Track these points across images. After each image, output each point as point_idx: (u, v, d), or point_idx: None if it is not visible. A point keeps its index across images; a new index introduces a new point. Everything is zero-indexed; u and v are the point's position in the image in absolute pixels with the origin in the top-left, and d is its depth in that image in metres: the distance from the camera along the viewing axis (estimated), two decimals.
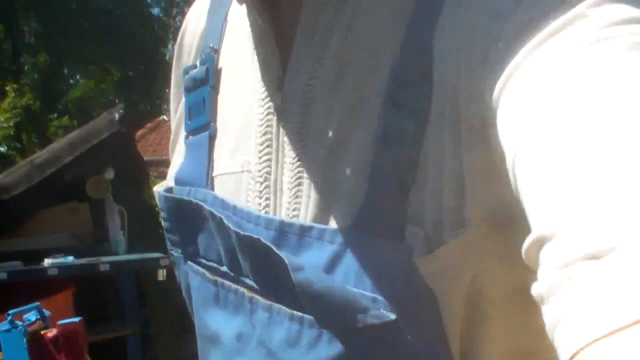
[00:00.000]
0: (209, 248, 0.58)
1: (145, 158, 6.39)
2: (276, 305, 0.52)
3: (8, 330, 2.67)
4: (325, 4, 0.51)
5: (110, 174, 4.22)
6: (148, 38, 19.83)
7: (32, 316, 2.90)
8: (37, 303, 3.04)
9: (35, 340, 2.42)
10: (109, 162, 4.22)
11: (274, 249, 0.49)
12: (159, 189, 0.63)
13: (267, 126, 0.54)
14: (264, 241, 0.50)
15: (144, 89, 19.35)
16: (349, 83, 0.50)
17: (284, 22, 0.53)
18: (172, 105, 0.69)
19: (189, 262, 0.60)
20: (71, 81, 22.18)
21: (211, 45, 0.60)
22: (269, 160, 0.54)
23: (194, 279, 0.60)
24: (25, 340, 2.62)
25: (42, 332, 2.47)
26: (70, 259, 3.64)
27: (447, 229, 0.46)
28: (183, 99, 0.64)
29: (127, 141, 4.22)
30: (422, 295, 0.46)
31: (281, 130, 0.53)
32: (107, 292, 4.16)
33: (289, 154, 0.53)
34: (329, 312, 0.48)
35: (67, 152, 4.05)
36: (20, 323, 2.79)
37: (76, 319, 2.41)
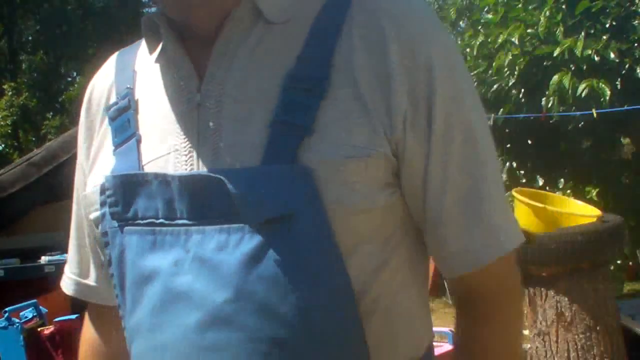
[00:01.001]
0: (148, 208, 0.75)
1: None
2: (208, 227, 0.71)
3: (5, 328, 2.67)
4: (233, 37, 0.74)
5: None
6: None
7: (29, 313, 2.91)
8: (34, 300, 3.05)
9: (32, 337, 2.43)
10: None
11: (210, 173, 0.70)
12: (101, 180, 0.80)
13: (191, 117, 0.75)
14: (202, 173, 0.71)
15: None
16: (252, 83, 0.73)
17: (194, 49, 0.77)
18: (83, 144, 0.89)
19: (126, 228, 0.76)
20: (68, 79, 22.14)
21: (128, 85, 0.82)
22: (192, 138, 0.74)
23: (131, 238, 0.76)
24: (22, 337, 2.63)
25: (39, 329, 2.48)
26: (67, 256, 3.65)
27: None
28: (100, 131, 0.86)
29: None
30: (311, 197, 0.69)
31: (200, 117, 0.74)
32: None
33: (207, 132, 0.74)
34: (253, 211, 0.68)
35: (63, 150, 4.05)
36: (17, 320, 2.79)
37: (73, 316, 2.42)
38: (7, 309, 2.66)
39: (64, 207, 4.04)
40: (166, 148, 0.76)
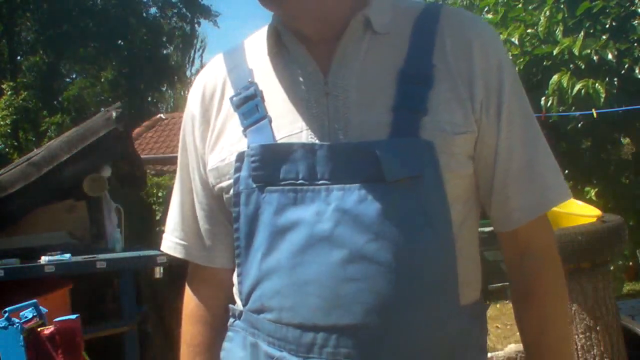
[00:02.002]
0: (289, 171, 0.92)
1: (142, 156, 6.39)
2: (347, 185, 0.89)
3: (5, 328, 2.67)
4: (350, 41, 0.95)
5: (107, 172, 4.23)
6: (145, 38, 19.80)
7: (29, 313, 2.90)
8: (34, 300, 3.04)
9: (32, 337, 2.43)
10: (106, 160, 4.22)
11: (363, 142, 0.90)
12: (228, 154, 0.98)
13: (320, 103, 0.94)
14: (353, 142, 0.90)
15: (140, 87, 19.33)
16: (370, 78, 0.94)
17: (311, 50, 0.97)
18: (198, 130, 1.05)
19: (267, 188, 0.92)
20: (67, 80, 22.13)
21: (249, 79, 1.00)
22: (324, 119, 0.93)
23: (271, 196, 0.92)
24: (22, 337, 2.62)
25: (39, 329, 2.48)
26: (67, 256, 3.65)
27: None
28: (218, 117, 1.02)
29: (124, 139, 4.23)
30: (438, 165, 0.90)
31: (330, 103, 0.94)
32: (104, 290, 4.17)
33: (338, 114, 0.93)
34: (393, 171, 0.87)
35: (64, 150, 4.05)
36: (17, 320, 2.79)
37: (73, 316, 2.42)
38: (7, 309, 2.66)
39: (64, 207, 4.00)
40: (298, 127, 0.94)
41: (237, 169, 0.95)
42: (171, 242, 1.11)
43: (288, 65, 0.98)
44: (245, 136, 0.97)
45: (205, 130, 1.04)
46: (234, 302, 1.04)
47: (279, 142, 0.94)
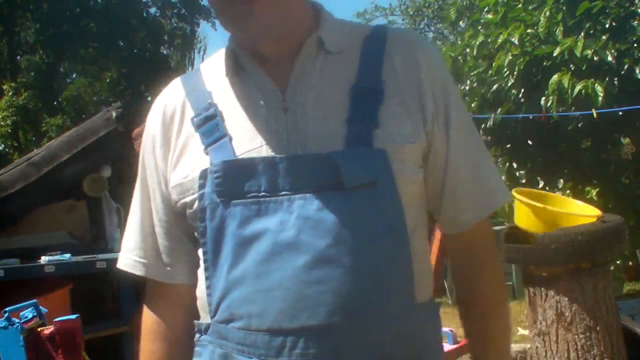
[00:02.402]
0: (252, 185, 0.96)
1: None
2: (308, 194, 0.94)
3: (5, 328, 2.67)
4: (305, 60, 1.02)
5: (107, 172, 4.23)
6: (144, 38, 19.80)
7: (29, 313, 2.90)
8: (34, 300, 3.04)
9: (32, 337, 2.43)
10: (106, 160, 4.23)
11: (321, 153, 0.95)
12: (191, 172, 1.03)
13: (279, 119, 1.00)
14: (313, 153, 0.95)
15: (140, 88, 19.32)
16: (326, 94, 1.00)
17: (268, 69, 1.03)
18: (159, 150, 1.09)
19: (232, 201, 0.96)
20: (68, 80, 22.12)
21: (209, 101, 1.05)
22: (283, 134, 0.98)
23: (235, 209, 0.96)
24: (22, 337, 2.62)
25: (39, 329, 2.48)
26: (67, 256, 3.65)
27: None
28: (179, 137, 1.07)
29: (124, 139, 4.22)
30: (390, 171, 0.96)
31: (288, 118, 0.99)
32: (104, 290, 4.17)
33: (296, 128, 0.99)
34: (351, 179, 0.93)
35: (64, 150, 4.05)
36: (17, 320, 2.79)
37: (73, 316, 2.42)
38: (7, 309, 2.66)
39: (64, 207, 3.99)
40: (258, 142, 0.99)
41: (201, 186, 0.99)
42: (130, 260, 1.14)
43: (246, 85, 1.04)
44: (207, 154, 1.01)
45: (166, 150, 1.08)
46: (197, 318, 1.06)
47: (239, 157, 0.99)
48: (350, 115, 0.98)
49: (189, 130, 1.06)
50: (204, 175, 0.99)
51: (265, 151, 0.98)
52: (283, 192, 0.95)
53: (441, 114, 1.04)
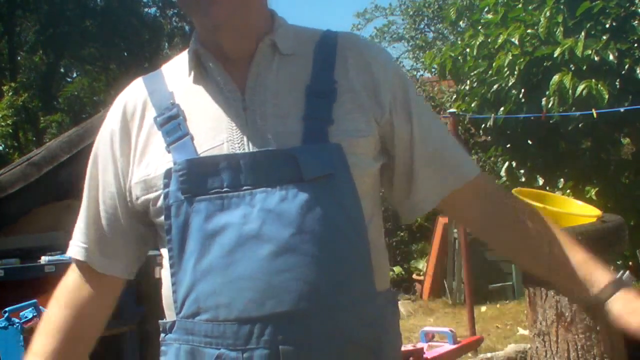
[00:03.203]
0: (215, 182, 1.00)
1: None
2: (268, 188, 0.99)
3: (5, 328, 2.67)
4: (262, 62, 1.08)
5: None
6: (145, 38, 19.78)
7: (29, 313, 2.90)
8: (34, 300, 3.04)
9: (32, 337, 2.43)
10: None
11: (281, 149, 1.00)
12: (154, 170, 1.06)
13: (239, 117, 1.05)
14: (272, 149, 1.00)
15: None
16: (283, 93, 1.06)
17: (231, 68, 1.08)
18: (118, 146, 1.12)
19: (196, 198, 1.00)
20: (68, 79, 22.11)
21: (171, 101, 1.09)
22: (243, 131, 1.03)
23: (199, 205, 1.00)
24: (22, 337, 2.63)
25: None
26: (68, 256, 3.64)
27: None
28: (140, 135, 1.10)
29: None
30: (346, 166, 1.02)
31: (248, 117, 1.04)
32: None
33: (256, 126, 1.04)
34: (309, 171, 0.99)
35: (64, 150, 4.05)
36: (17, 320, 2.79)
37: None
38: (7, 309, 2.66)
39: (64, 207, 3.99)
40: (219, 140, 1.03)
41: (166, 185, 1.03)
42: (75, 247, 1.19)
43: (208, 85, 1.08)
44: (169, 152, 1.05)
45: (126, 147, 1.11)
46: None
47: (201, 155, 1.03)
48: (306, 114, 1.03)
49: (150, 129, 1.09)
50: (168, 174, 1.02)
51: (226, 148, 1.02)
52: (245, 187, 0.99)
53: (400, 104, 1.09)
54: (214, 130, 1.04)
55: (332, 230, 0.99)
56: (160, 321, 1.08)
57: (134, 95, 1.15)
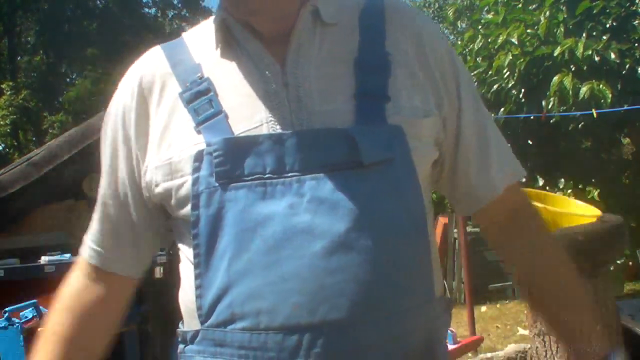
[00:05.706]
0: (255, 165, 0.86)
1: None
2: (320, 174, 0.85)
3: (5, 328, 2.67)
4: (303, 32, 0.93)
5: None
6: (144, 38, 19.78)
7: (29, 313, 2.90)
8: (34, 300, 3.04)
9: (32, 337, 2.43)
10: None
11: (336, 129, 0.87)
12: (179, 152, 0.91)
13: (279, 94, 0.90)
14: (325, 128, 0.87)
15: None
16: (327, 67, 0.92)
17: (267, 41, 0.94)
18: (134, 126, 0.97)
19: (232, 185, 0.86)
20: (67, 79, 22.11)
21: (199, 75, 0.94)
22: (284, 110, 0.89)
23: (237, 193, 0.85)
24: (22, 337, 2.63)
25: (39, 329, 2.48)
26: (67, 256, 3.64)
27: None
28: (159, 112, 0.96)
29: None
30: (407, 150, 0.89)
31: (289, 94, 0.90)
32: None
33: (300, 104, 0.89)
34: (368, 156, 0.85)
35: (64, 150, 4.05)
36: (17, 320, 2.79)
37: None
38: (7, 309, 2.66)
39: (64, 207, 3.98)
40: (257, 120, 0.89)
41: (196, 169, 0.87)
42: (92, 251, 1.06)
43: (240, 58, 0.94)
44: (199, 133, 0.90)
45: (144, 125, 0.97)
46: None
47: (238, 136, 0.89)
48: (358, 90, 0.89)
49: (172, 105, 0.94)
50: (199, 157, 0.87)
51: (266, 129, 0.88)
52: (291, 173, 0.85)
53: (451, 85, 0.97)
54: (250, 109, 0.89)
55: (391, 225, 0.85)
56: (179, 329, 0.93)
57: (152, 66, 0.99)
